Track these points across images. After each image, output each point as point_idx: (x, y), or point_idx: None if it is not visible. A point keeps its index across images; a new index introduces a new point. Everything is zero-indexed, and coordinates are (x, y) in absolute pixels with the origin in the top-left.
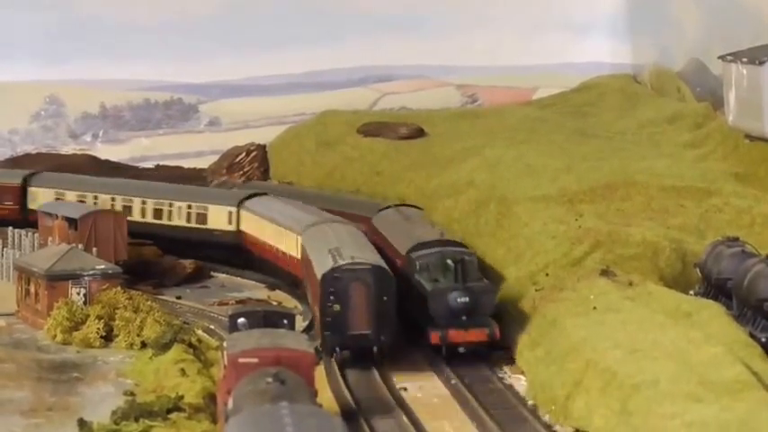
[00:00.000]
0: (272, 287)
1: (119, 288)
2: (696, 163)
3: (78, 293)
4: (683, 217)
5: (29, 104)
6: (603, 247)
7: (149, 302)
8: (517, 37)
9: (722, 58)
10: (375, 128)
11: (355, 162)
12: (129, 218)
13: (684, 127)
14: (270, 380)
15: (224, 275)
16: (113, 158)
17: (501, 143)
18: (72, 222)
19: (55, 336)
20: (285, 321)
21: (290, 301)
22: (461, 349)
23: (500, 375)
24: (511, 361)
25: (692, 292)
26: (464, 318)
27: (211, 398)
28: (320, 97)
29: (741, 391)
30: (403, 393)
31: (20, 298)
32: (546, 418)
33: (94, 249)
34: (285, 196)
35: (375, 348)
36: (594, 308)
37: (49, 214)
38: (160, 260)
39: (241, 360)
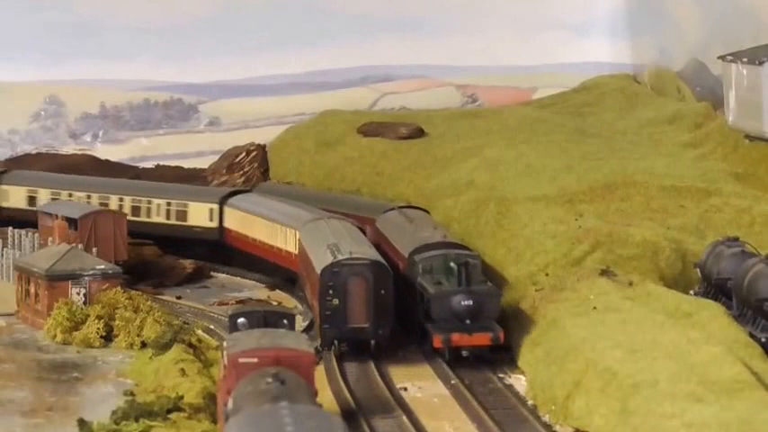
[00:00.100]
0: (272, 287)
1: (119, 288)
2: (696, 163)
3: (78, 293)
4: (682, 217)
5: (29, 104)
6: (603, 247)
7: (149, 302)
8: (517, 37)
9: (722, 58)
10: (375, 128)
11: (355, 162)
12: None
13: (684, 127)
14: (270, 380)
15: (224, 275)
16: (113, 158)
17: (501, 143)
18: (72, 222)
19: (55, 336)
20: (285, 321)
21: (289, 301)
22: (465, 353)
23: (500, 375)
24: (511, 361)
25: (691, 292)
26: (468, 321)
27: (211, 398)
28: (320, 97)
29: (741, 391)
30: (403, 393)
31: (20, 298)
32: (546, 418)
33: (94, 249)
34: (287, 196)
35: (373, 342)
36: (594, 308)
37: (49, 214)
38: (160, 260)
39: (241, 360)
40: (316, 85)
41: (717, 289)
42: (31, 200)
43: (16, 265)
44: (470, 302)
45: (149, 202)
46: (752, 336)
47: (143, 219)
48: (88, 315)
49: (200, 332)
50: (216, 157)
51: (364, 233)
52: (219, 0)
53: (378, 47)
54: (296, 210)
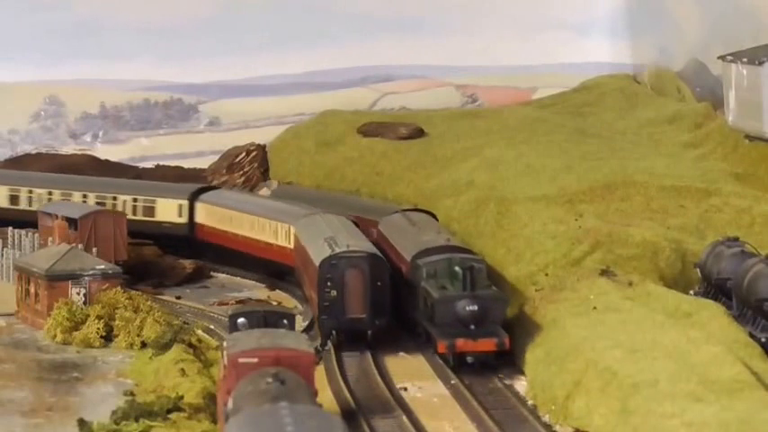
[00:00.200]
0: (272, 287)
1: (119, 288)
2: (696, 163)
3: (78, 293)
4: (682, 217)
5: (29, 104)
6: (603, 248)
7: (149, 302)
8: (517, 37)
9: (722, 58)
10: (375, 128)
11: (355, 162)
12: None
13: (684, 127)
14: (270, 380)
15: (224, 275)
16: (113, 158)
17: (501, 143)
18: (72, 222)
19: (55, 336)
20: (285, 321)
21: (289, 301)
22: (470, 359)
23: (500, 375)
24: (511, 361)
25: (691, 292)
26: (472, 327)
27: (211, 398)
28: (320, 97)
29: (741, 391)
30: (403, 393)
31: (20, 298)
32: (546, 418)
33: (94, 249)
34: (292, 197)
35: (369, 332)
36: (594, 308)
37: (49, 214)
38: (160, 260)
39: (241, 360)
40: (316, 85)
41: (717, 289)
42: None
43: (16, 265)
44: (475, 307)
45: (114, 199)
46: (752, 336)
47: None
48: (88, 315)
49: (200, 332)
50: (216, 157)
51: (368, 236)
52: (219, 0)
53: (378, 47)
54: (284, 206)
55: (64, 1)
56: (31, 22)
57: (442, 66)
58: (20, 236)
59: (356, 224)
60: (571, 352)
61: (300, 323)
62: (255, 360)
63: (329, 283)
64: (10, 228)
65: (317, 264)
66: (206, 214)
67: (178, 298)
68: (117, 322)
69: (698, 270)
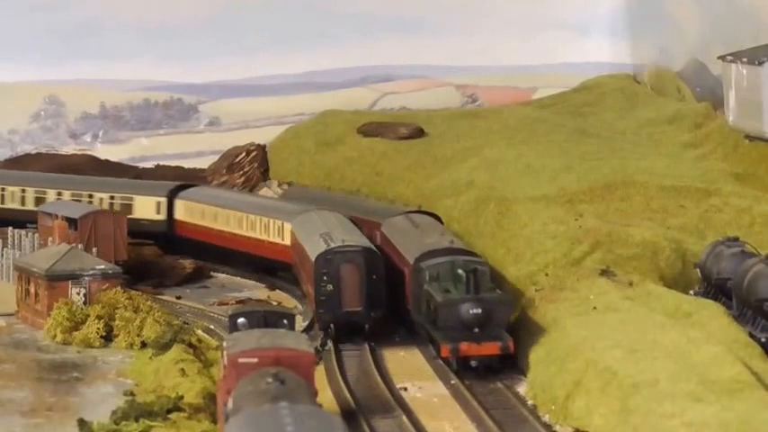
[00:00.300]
0: (272, 287)
1: (119, 288)
2: (696, 163)
3: (78, 293)
4: (682, 217)
5: (29, 104)
6: (603, 247)
7: (149, 302)
8: (517, 37)
9: (722, 58)
10: (375, 128)
11: (355, 162)
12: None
13: (684, 127)
14: (270, 380)
15: (224, 275)
16: (113, 158)
17: (501, 143)
18: (72, 222)
19: (55, 336)
20: (285, 321)
21: (289, 302)
22: (474, 363)
23: (500, 376)
24: (511, 362)
25: (691, 292)
26: (476, 330)
27: (211, 398)
28: (320, 97)
29: (741, 391)
30: (403, 393)
31: (20, 298)
32: (546, 417)
33: (94, 249)
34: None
35: (367, 326)
36: (594, 308)
37: (49, 214)
38: (160, 260)
39: (241, 360)
40: (316, 85)
41: (717, 289)
42: None
43: (16, 265)
44: (479, 311)
45: (90, 197)
46: (752, 336)
47: None
48: (88, 315)
49: (200, 332)
50: (216, 157)
51: (371, 238)
52: (219, 0)
53: (378, 47)
54: (276, 203)
55: (64, 1)
56: (31, 22)
57: (442, 66)
58: (20, 236)
59: (358, 227)
60: (571, 352)
61: (300, 323)
62: (255, 360)
63: (325, 278)
64: (10, 228)
65: (313, 259)
66: (187, 211)
67: (178, 298)
68: (117, 322)
69: (698, 270)
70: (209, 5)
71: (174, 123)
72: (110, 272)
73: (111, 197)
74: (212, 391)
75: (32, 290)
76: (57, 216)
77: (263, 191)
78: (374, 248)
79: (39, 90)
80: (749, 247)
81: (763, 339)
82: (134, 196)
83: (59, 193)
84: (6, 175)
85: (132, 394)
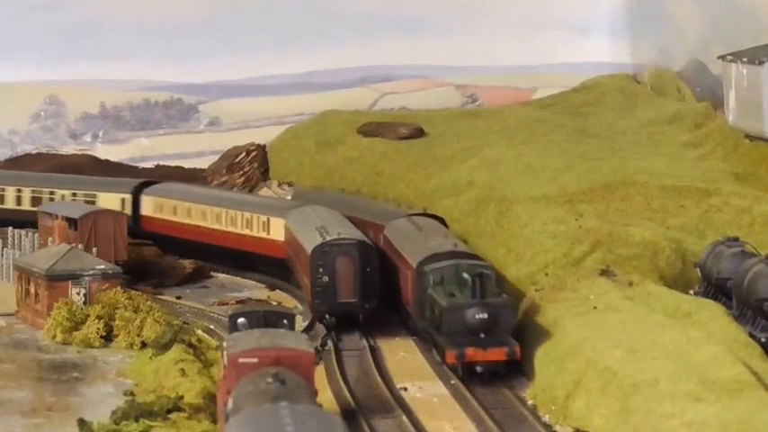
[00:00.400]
0: (271, 287)
1: (119, 288)
2: (696, 163)
3: (78, 293)
4: (682, 217)
5: (29, 104)
6: (603, 247)
7: (149, 302)
8: (517, 37)
9: (722, 57)
10: (375, 128)
11: (355, 162)
12: (4, 206)
13: (684, 127)
14: (270, 380)
15: (224, 275)
16: (113, 158)
17: (501, 143)
18: (72, 222)
19: (55, 336)
20: (285, 321)
21: (289, 301)
22: (479, 369)
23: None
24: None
25: (691, 292)
26: (482, 335)
27: (211, 398)
28: (320, 97)
29: (741, 391)
30: (403, 393)
31: (20, 298)
32: (546, 417)
33: (94, 249)
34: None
35: (361, 316)
36: (594, 308)
37: (49, 214)
38: (160, 260)
39: (241, 360)
40: (316, 85)
41: (717, 289)
42: None
43: (16, 265)
44: (485, 315)
45: (52, 194)
46: (752, 336)
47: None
48: (88, 315)
49: (200, 332)
50: (216, 157)
51: (373, 241)
52: (219, 0)
53: (378, 47)
54: (260, 199)
55: (64, 1)
56: (31, 22)
57: (442, 66)
58: (20, 236)
59: (360, 228)
60: (571, 352)
61: (300, 323)
62: (255, 360)
63: (321, 270)
64: (10, 228)
65: (309, 251)
66: (156, 207)
67: (178, 298)
68: (117, 322)
69: (698, 270)
70: (209, 5)
71: (174, 123)
72: (110, 272)
73: (74, 194)
74: (212, 391)
75: (32, 290)
76: (57, 216)
77: (263, 191)
78: (369, 241)
79: (39, 90)
80: (749, 246)
81: (763, 339)
82: (97, 193)
83: (19, 191)
84: None
85: (132, 394)
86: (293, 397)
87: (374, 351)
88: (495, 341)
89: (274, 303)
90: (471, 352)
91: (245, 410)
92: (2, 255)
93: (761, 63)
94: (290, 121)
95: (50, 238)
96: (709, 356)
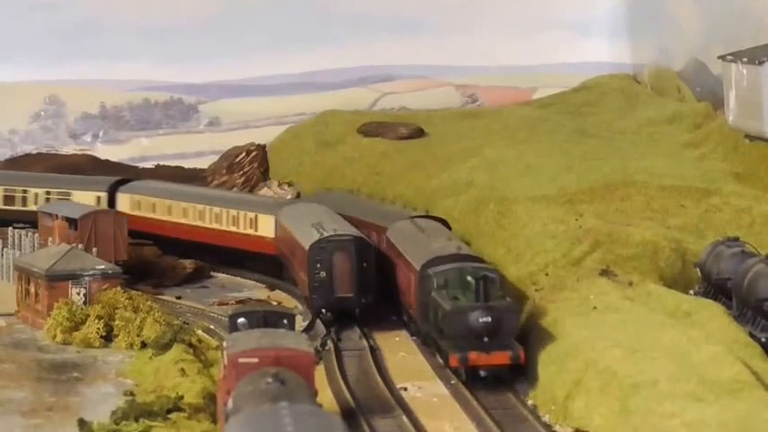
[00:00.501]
0: (271, 287)
1: (119, 288)
2: (696, 163)
3: (78, 293)
4: (682, 217)
5: (29, 104)
6: (603, 247)
7: (149, 302)
8: (517, 37)
9: (722, 57)
10: (375, 128)
11: (355, 162)
12: None
13: (684, 127)
14: (270, 380)
15: (224, 275)
16: (113, 159)
17: (500, 143)
18: (72, 222)
19: (55, 336)
20: (285, 321)
21: (289, 301)
22: (483, 373)
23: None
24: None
25: (691, 292)
26: (486, 339)
27: (211, 398)
28: (320, 97)
29: (741, 391)
30: (403, 393)
31: (20, 298)
32: (546, 417)
33: (94, 249)
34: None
35: (357, 310)
36: (594, 308)
37: (49, 214)
38: (160, 260)
39: (241, 360)
40: (316, 85)
41: (716, 289)
42: None
43: (16, 265)
44: (489, 319)
45: (25, 192)
46: (752, 335)
47: (18, 207)
48: (88, 315)
49: (200, 332)
50: (216, 157)
51: (374, 244)
52: (220, 0)
53: (378, 47)
54: (241, 196)
55: (64, 1)
56: (31, 22)
57: (442, 66)
58: (20, 236)
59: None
60: (571, 352)
61: (300, 323)
62: (255, 360)
63: (319, 265)
64: (10, 228)
65: (307, 247)
66: (133, 205)
67: (178, 298)
68: (117, 322)
69: (698, 270)
70: (209, 5)
71: (173, 123)
72: (110, 272)
73: (48, 192)
74: (212, 391)
75: (32, 290)
76: (57, 216)
77: (264, 191)
78: (365, 237)
79: (39, 90)
80: (749, 246)
81: (763, 339)
82: (71, 191)
83: None
84: None
85: (132, 394)
86: (293, 397)
87: (374, 351)
88: (498, 345)
89: (274, 303)
90: (475, 356)
91: (245, 410)
92: (2, 255)
93: (761, 63)
94: (289, 121)
95: (50, 238)
96: (709, 356)
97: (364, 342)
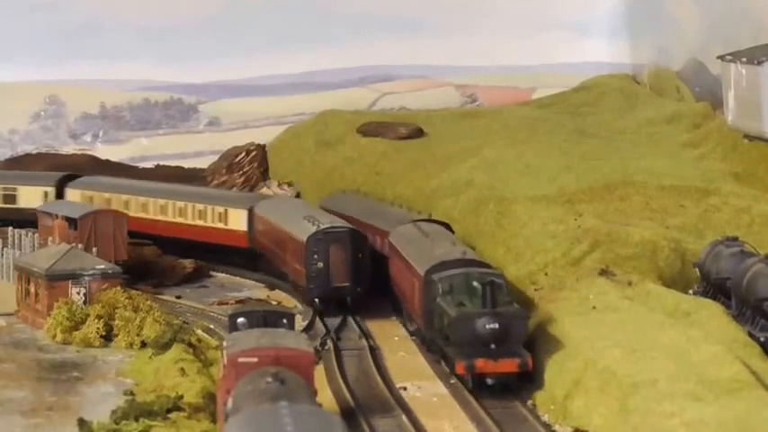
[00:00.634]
0: (271, 287)
1: (119, 288)
2: (695, 163)
3: (78, 293)
4: (682, 216)
5: (29, 104)
6: (603, 247)
7: (149, 302)
8: (516, 37)
9: (721, 57)
10: (375, 128)
11: (355, 162)
12: None
13: (683, 127)
14: (269, 379)
15: (223, 275)
16: (113, 158)
17: (500, 143)
18: (72, 222)
19: (55, 335)
20: (285, 321)
21: (289, 301)
22: (490, 381)
23: None
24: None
25: (690, 292)
26: (493, 346)
27: (211, 397)
28: (320, 97)
29: (740, 390)
30: (402, 393)
31: (20, 298)
32: (545, 417)
33: (94, 249)
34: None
35: (349, 299)
36: (594, 307)
37: (49, 214)
38: (160, 260)
39: (241, 360)
40: (315, 85)
41: (716, 288)
42: None
43: (16, 264)
44: (496, 326)
45: None
46: (751, 335)
47: None
48: (88, 315)
49: (199, 332)
50: (216, 157)
51: (376, 246)
52: (220, 0)
53: (378, 47)
54: (211, 191)
55: (64, 1)
56: (31, 22)
57: (442, 66)
58: (20, 236)
59: (362, 234)
60: (570, 351)
61: (300, 323)
62: (255, 360)
63: (316, 256)
64: (10, 228)
65: (305, 239)
66: (84, 200)
67: (178, 298)
68: (117, 322)
69: (697, 269)
70: (210, 5)
71: (173, 123)
72: (110, 272)
73: None
74: (212, 390)
75: (32, 289)
76: (57, 216)
77: (263, 190)
78: (359, 229)
79: (39, 90)
80: (748, 246)
81: (762, 339)
82: (18, 186)
83: None
84: None
85: (132, 394)
86: (293, 397)
87: (374, 351)
88: (506, 352)
89: (274, 303)
90: (482, 363)
91: (244, 410)
92: (2, 254)
93: (760, 63)
94: (289, 121)
95: (50, 238)
96: (709, 356)
97: (364, 342)
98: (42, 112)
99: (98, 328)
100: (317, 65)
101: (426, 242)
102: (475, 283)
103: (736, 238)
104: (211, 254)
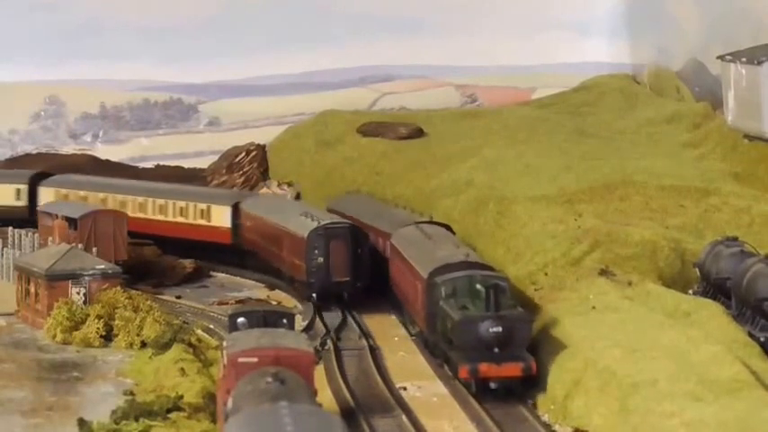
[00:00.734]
0: (271, 287)
1: (119, 288)
2: (695, 163)
3: (78, 293)
4: (681, 216)
5: (29, 104)
6: (602, 247)
7: (149, 302)
8: (516, 37)
9: (721, 57)
10: (375, 128)
11: (355, 162)
12: None
13: (683, 127)
14: (269, 379)
15: (223, 275)
16: (113, 158)
17: (500, 143)
18: (72, 222)
19: (55, 335)
20: (285, 321)
21: (289, 301)
22: (493, 385)
23: None
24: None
25: (690, 292)
26: (496, 350)
27: (211, 397)
28: (320, 97)
29: (740, 390)
30: (402, 393)
31: (20, 298)
32: (545, 417)
33: (94, 249)
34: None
35: (345, 294)
36: (594, 307)
37: (49, 214)
38: (160, 260)
39: (241, 360)
40: (315, 85)
41: (716, 288)
42: None
43: (16, 264)
44: (500, 329)
45: None
46: (751, 335)
47: None
48: (88, 315)
49: (199, 332)
50: (216, 157)
51: (377, 248)
52: (220, 0)
53: (378, 47)
54: (197, 188)
55: (64, 1)
56: (31, 22)
57: (442, 66)
58: (20, 236)
59: (361, 230)
60: (570, 351)
61: (300, 323)
62: (255, 360)
63: (316, 251)
64: (10, 228)
65: (305, 235)
66: (59, 198)
67: (178, 298)
68: (117, 322)
69: (697, 269)
70: (210, 5)
71: (173, 123)
72: (110, 272)
73: None
74: (212, 390)
75: (32, 289)
76: (57, 216)
77: (263, 190)
78: (358, 226)
79: (39, 90)
80: (748, 246)
81: (762, 339)
82: None
83: None
84: None
85: (132, 394)
86: (293, 396)
87: (374, 351)
88: (510, 356)
89: (274, 303)
90: (485, 367)
91: (244, 410)
92: (2, 254)
93: (760, 63)
94: (289, 121)
95: (50, 238)
96: (709, 356)
97: (364, 342)
98: (42, 112)
99: (98, 328)
100: (317, 65)
101: (429, 244)
102: (478, 286)
103: (736, 238)
104: (193, 251)
